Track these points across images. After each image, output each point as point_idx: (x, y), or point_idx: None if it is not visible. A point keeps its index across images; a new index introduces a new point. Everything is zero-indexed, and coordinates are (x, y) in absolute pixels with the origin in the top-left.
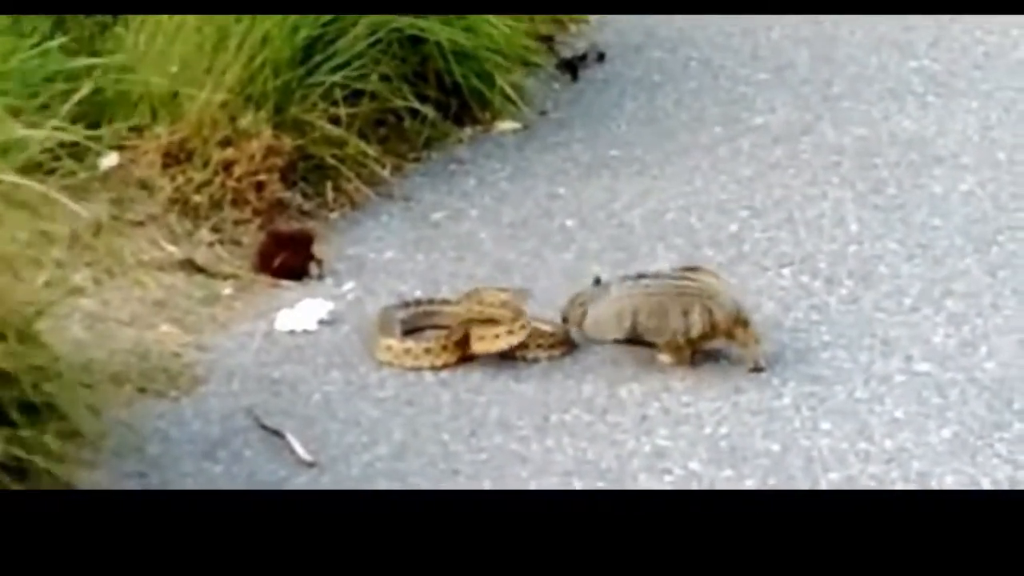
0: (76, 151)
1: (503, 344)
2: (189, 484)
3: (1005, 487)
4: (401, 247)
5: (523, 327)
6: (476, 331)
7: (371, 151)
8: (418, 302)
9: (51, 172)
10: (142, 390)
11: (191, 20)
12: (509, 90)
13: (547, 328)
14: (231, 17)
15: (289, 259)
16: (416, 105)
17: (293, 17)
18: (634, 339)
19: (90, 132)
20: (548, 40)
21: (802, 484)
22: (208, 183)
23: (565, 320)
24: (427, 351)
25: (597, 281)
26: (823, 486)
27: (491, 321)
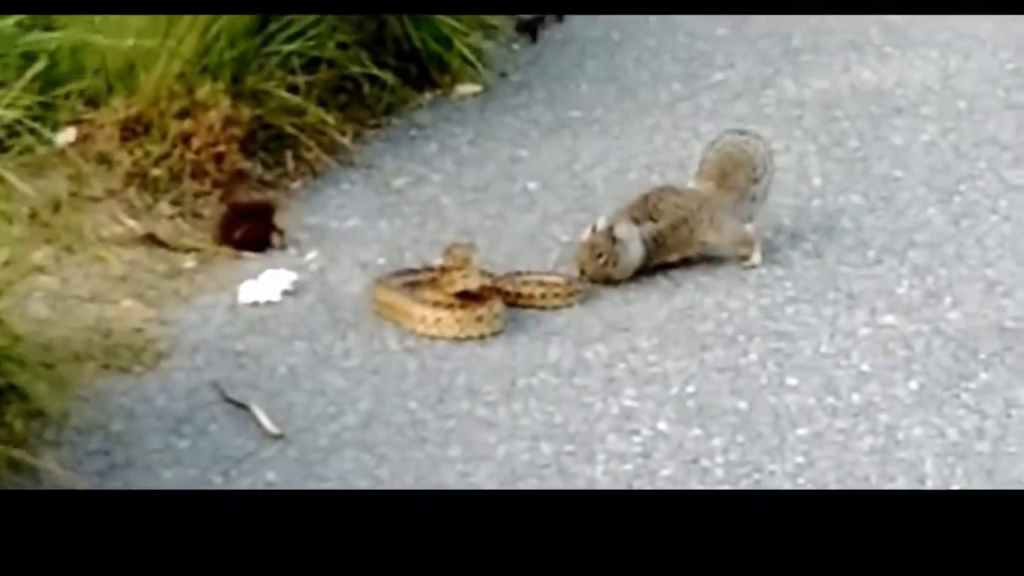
0: (33, 127)
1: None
2: (154, 460)
3: (972, 437)
4: (363, 215)
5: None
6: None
7: (331, 119)
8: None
9: (7, 150)
10: (105, 367)
11: None
12: (468, 53)
13: (559, 280)
14: None
15: (251, 230)
16: (375, 71)
17: None
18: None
19: (46, 98)
20: None
21: (770, 441)
22: (167, 156)
23: (583, 272)
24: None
25: (593, 229)
26: (790, 442)
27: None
